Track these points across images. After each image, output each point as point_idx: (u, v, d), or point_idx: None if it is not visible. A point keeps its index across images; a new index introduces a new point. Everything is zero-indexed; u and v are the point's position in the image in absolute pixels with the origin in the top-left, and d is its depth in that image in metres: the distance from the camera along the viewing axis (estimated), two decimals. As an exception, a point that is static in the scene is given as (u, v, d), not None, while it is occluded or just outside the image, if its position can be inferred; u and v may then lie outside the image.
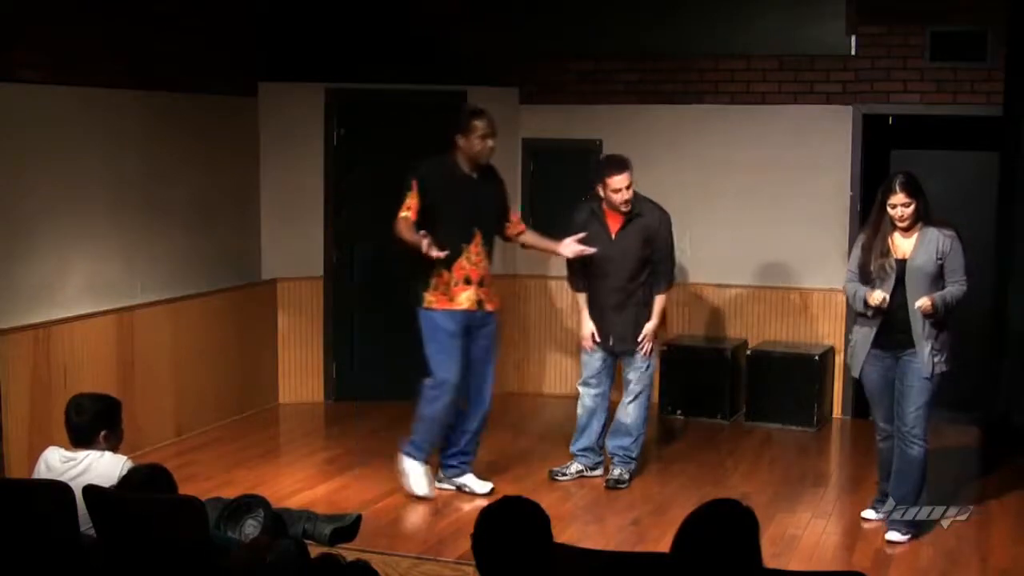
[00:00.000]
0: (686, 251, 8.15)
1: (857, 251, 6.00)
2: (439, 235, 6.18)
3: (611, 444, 6.88)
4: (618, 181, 6.52)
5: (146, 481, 4.32)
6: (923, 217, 5.86)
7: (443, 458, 6.69)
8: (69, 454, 4.77)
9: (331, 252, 8.68)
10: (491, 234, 6.48)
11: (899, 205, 5.81)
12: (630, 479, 6.82)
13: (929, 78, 8.08)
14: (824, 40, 8.16)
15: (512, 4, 8.60)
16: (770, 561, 5.53)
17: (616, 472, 6.82)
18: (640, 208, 6.63)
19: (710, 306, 8.68)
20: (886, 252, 5.87)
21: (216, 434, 7.80)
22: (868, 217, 6.07)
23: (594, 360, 6.83)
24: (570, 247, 6.57)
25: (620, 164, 6.57)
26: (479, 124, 6.27)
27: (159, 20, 7.41)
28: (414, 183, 6.29)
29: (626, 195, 6.53)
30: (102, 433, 4.81)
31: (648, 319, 6.73)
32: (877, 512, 6.20)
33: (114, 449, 4.85)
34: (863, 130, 8.24)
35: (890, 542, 5.93)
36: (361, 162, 8.66)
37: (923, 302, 5.74)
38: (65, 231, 6.76)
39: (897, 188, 5.82)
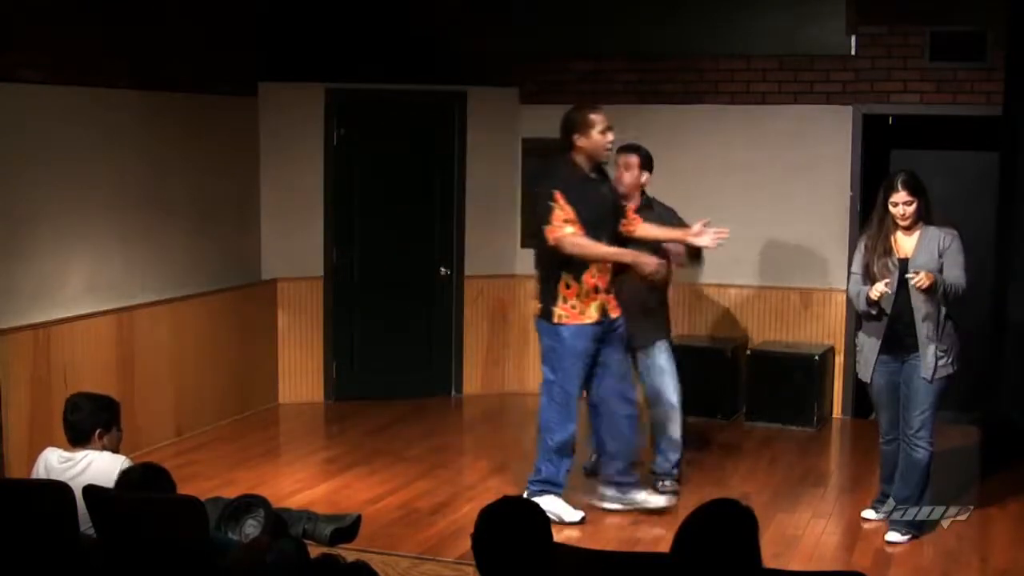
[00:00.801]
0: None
1: (860, 252, 5.98)
2: None
3: (666, 460, 6.72)
4: (627, 160, 6.53)
5: (143, 480, 4.32)
6: (924, 216, 5.85)
7: (614, 476, 6.31)
8: (68, 454, 4.77)
9: (331, 252, 8.67)
10: (613, 236, 6.19)
11: (901, 203, 5.81)
12: None
13: (929, 78, 8.08)
14: (824, 40, 8.16)
15: (512, 4, 8.60)
16: (770, 561, 5.52)
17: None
18: (650, 201, 6.64)
19: (710, 306, 8.67)
20: (888, 251, 5.86)
21: (216, 434, 7.80)
22: (870, 217, 6.06)
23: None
24: (708, 235, 6.24)
25: (633, 147, 6.59)
26: (597, 118, 6.04)
27: (159, 20, 7.41)
28: (558, 194, 5.96)
29: (623, 174, 6.51)
30: (97, 432, 4.81)
31: (661, 318, 6.69)
32: (877, 512, 6.20)
33: (113, 449, 4.85)
34: (863, 130, 8.23)
35: (890, 542, 5.92)
36: (361, 162, 8.66)
37: (918, 276, 5.66)
38: (65, 231, 6.76)
39: (899, 186, 5.82)
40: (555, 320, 6.07)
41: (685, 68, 8.61)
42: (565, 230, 5.96)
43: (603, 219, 6.10)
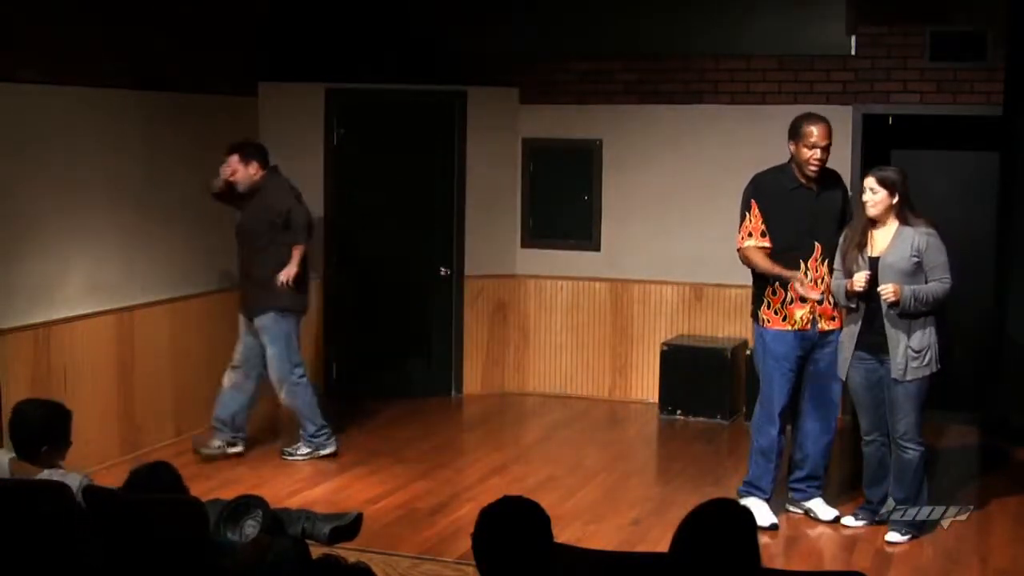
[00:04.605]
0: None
1: (840, 246, 5.98)
2: (776, 250, 6.05)
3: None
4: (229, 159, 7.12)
5: (147, 479, 4.29)
6: (900, 217, 5.79)
7: (790, 482, 6.39)
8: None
9: (331, 252, 8.67)
10: (832, 245, 6.07)
11: (867, 189, 5.81)
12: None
13: (929, 78, 8.08)
14: (824, 40, 8.17)
15: (512, 4, 8.61)
16: (770, 561, 5.55)
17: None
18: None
19: (710, 306, 8.67)
20: (861, 246, 5.84)
21: (216, 434, 7.78)
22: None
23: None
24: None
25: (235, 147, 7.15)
26: (808, 131, 5.95)
27: (159, 20, 7.41)
28: (753, 203, 6.08)
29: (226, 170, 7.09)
30: (43, 448, 4.49)
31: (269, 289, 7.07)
32: (857, 519, 6.16)
33: (61, 459, 4.53)
34: (863, 130, 8.23)
35: (890, 542, 5.92)
36: (361, 162, 8.66)
37: (887, 287, 5.67)
38: (65, 231, 6.76)
39: (870, 173, 5.84)
40: (759, 323, 6.18)
41: (685, 68, 8.61)
42: (745, 242, 6.09)
43: (812, 230, 6.05)
